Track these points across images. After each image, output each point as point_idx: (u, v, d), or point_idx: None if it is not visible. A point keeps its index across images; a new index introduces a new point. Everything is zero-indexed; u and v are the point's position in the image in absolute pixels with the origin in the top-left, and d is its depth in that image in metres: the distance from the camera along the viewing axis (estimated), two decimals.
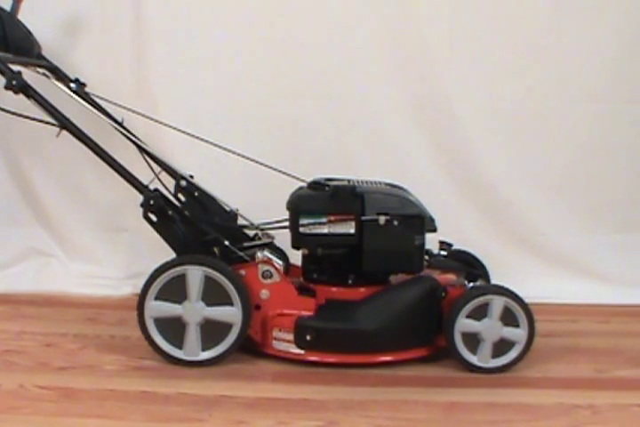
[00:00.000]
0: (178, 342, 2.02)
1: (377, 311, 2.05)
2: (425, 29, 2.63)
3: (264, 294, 2.07)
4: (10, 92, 2.11)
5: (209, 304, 2.01)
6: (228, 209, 2.37)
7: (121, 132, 2.29)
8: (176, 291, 2.01)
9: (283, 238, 2.23)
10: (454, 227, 2.40)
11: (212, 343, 2.03)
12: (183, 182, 2.29)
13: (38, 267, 2.76)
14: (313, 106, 2.66)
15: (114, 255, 2.78)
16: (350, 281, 2.10)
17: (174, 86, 2.65)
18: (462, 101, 2.65)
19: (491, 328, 2.00)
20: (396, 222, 2.03)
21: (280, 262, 2.15)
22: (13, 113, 2.19)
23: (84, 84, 2.41)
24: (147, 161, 2.31)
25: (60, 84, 2.33)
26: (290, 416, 1.75)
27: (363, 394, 1.90)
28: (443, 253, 2.30)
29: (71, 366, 2.04)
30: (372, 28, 2.62)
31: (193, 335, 2.01)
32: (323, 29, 2.63)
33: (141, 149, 2.32)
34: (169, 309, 2.01)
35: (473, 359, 2.02)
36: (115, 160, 2.11)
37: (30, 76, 2.25)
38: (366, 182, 2.17)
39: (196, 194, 2.30)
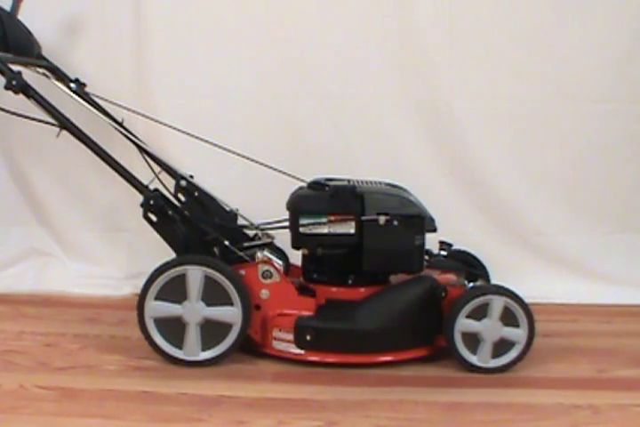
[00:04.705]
0: (178, 342, 2.02)
1: (377, 311, 2.05)
2: (425, 30, 2.63)
3: (264, 294, 2.07)
4: (10, 92, 2.11)
5: (209, 304, 2.01)
6: (228, 209, 2.37)
7: (121, 133, 2.30)
8: (176, 291, 2.01)
9: (283, 238, 2.23)
10: (454, 227, 2.39)
11: (212, 343, 2.02)
12: (183, 182, 2.28)
13: (38, 267, 2.76)
14: (313, 106, 2.66)
15: (114, 255, 2.78)
16: (350, 281, 2.10)
17: (174, 86, 2.65)
18: (462, 101, 2.65)
19: (491, 328, 2.00)
20: (395, 222, 2.03)
21: (280, 262, 2.16)
22: (13, 113, 2.19)
23: (84, 84, 2.41)
24: (147, 161, 2.31)
25: (60, 84, 2.33)
26: (290, 416, 1.75)
27: (363, 394, 1.90)
28: (443, 253, 2.31)
29: (71, 366, 2.04)
30: (372, 28, 2.62)
31: (193, 335, 2.01)
32: (323, 29, 2.63)
33: (141, 149, 2.32)
34: (169, 309, 2.01)
35: (473, 359, 2.02)
36: (115, 160, 2.11)
37: (30, 76, 2.25)
38: (366, 182, 2.17)
39: (196, 194, 2.29)
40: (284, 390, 1.91)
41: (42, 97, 2.12)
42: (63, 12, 2.62)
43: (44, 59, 2.43)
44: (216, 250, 2.14)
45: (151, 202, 2.08)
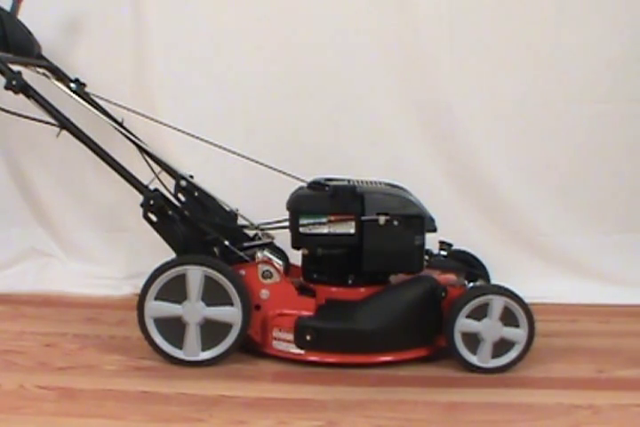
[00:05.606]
0: (178, 342, 2.02)
1: (377, 311, 2.05)
2: (425, 30, 2.63)
3: (264, 293, 2.07)
4: (10, 92, 2.11)
5: (209, 304, 2.01)
6: (227, 209, 2.37)
7: (121, 133, 2.30)
8: (176, 291, 2.01)
9: (283, 238, 2.23)
10: (454, 227, 2.39)
11: (212, 343, 2.02)
12: (183, 182, 2.29)
13: (38, 267, 2.77)
14: (313, 106, 2.66)
15: (114, 255, 2.78)
16: (350, 281, 2.10)
17: (174, 86, 2.66)
18: (462, 101, 2.65)
19: (491, 328, 2.00)
20: (396, 222, 2.03)
21: (280, 262, 2.15)
22: (13, 113, 2.19)
23: (83, 84, 2.41)
24: (147, 161, 2.31)
25: (60, 84, 2.33)
26: (290, 416, 1.75)
27: (363, 394, 1.90)
28: (443, 253, 2.31)
29: (71, 366, 2.04)
30: (372, 29, 2.62)
31: (193, 335, 2.01)
32: (323, 30, 2.63)
33: (141, 149, 2.32)
34: (169, 309, 2.01)
35: (473, 359, 2.02)
36: (115, 160, 2.11)
37: (30, 76, 2.25)
38: (366, 182, 2.17)
39: (196, 194, 2.30)
40: (284, 390, 1.91)
41: (42, 97, 2.12)
42: (63, 12, 2.63)
43: (44, 59, 2.43)
44: (216, 250, 2.14)
45: (151, 202, 2.08)
